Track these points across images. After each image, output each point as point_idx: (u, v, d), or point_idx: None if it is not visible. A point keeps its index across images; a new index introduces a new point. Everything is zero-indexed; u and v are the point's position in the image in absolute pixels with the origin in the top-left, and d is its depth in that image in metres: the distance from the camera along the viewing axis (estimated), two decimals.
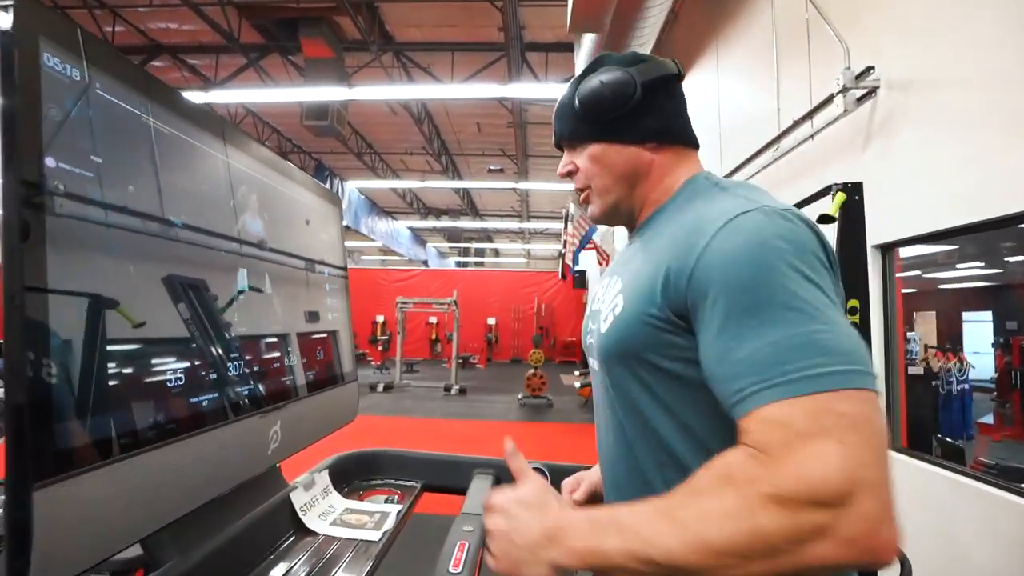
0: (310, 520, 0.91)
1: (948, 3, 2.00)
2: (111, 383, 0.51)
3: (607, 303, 0.68)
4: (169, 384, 0.61)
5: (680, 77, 0.75)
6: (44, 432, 0.43)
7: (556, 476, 1.12)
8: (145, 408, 0.56)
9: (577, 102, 0.72)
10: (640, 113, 0.71)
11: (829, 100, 2.61)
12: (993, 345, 5.73)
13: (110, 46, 0.54)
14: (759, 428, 0.47)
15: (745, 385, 0.48)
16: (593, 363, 0.74)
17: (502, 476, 1.12)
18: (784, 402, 0.46)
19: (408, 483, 1.15)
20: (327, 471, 1.07)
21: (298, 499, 0.93)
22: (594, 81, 0.71)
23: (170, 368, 0.61)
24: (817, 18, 2.73)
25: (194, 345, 0.66)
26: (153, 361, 0.59)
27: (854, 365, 0.46)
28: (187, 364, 0.64)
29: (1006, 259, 5.70)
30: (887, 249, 2.34)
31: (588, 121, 0.72)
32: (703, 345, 0.54)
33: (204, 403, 0.66)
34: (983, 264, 6.32)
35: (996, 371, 5.35)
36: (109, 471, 0.49)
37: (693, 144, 0.75)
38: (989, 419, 5.21)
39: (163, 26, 6.74)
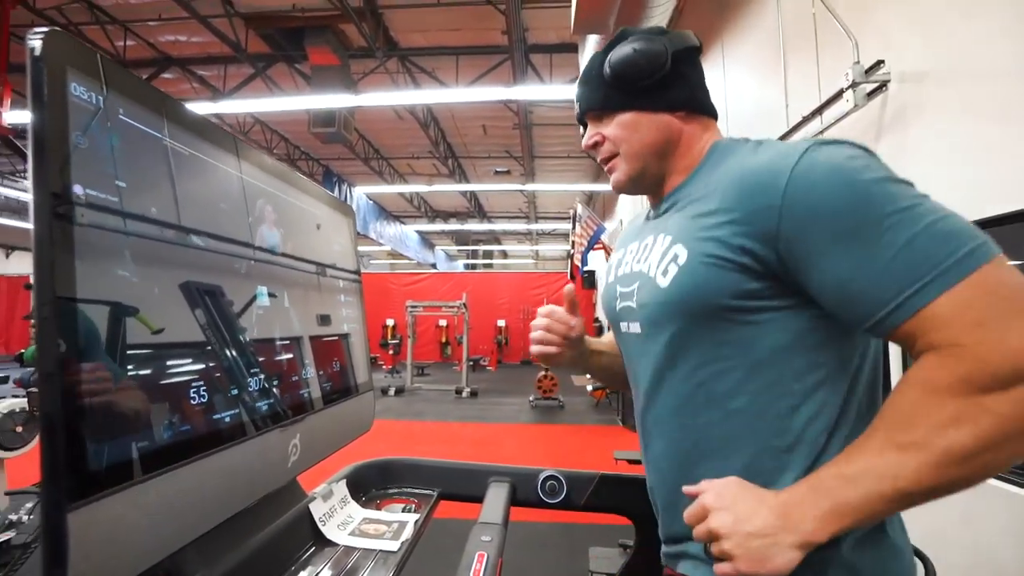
0: (329, 531, 0.92)
1: None
2: (142, 400, 0.52)
3: (656, 258, 0.66)
4: (194, 400, 0.62)
5: (701, 50, 0.76)
6: (79, 453, 0.44)
7: (570, 483, 1.12)
8: (173, 425, 0.57)
9: (608, 70, 0.72)
10: (670, 82, 0.71)
11: (838, 95, 2.59)
12: None
13: (130, 73, 0.55)
14: (935, 325, 0.46)
15: (897, 291, 0.48)
16: (635, 327, 0.70)
17: (518, 484, 1.12)
18: (949, 293, 0.46)
19: (424, 491, 1.15)
20: (344, 481, 1.08)
21: (317, 510, 0.94)
22: (627, 49, 0.70)
23: (195, 384, 0.62)
24: (824, 11, 2.70)
25: (218, 359, 0.67)
26: (179, 377, 0.60)
27: (980, 237, 0.48)
28: (211, 379, 0.65)
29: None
30: None
31: (619, 89, 0.72)
32: (820, 275, 0.54)
33: (228, 419, 0.67)
34: None
35: None
36: (140, 489, 0.50)
37: (715, 115, 0.76)
38: None
39: (172, 39, 6.85)
